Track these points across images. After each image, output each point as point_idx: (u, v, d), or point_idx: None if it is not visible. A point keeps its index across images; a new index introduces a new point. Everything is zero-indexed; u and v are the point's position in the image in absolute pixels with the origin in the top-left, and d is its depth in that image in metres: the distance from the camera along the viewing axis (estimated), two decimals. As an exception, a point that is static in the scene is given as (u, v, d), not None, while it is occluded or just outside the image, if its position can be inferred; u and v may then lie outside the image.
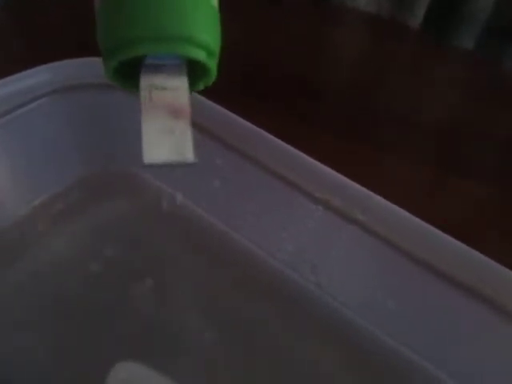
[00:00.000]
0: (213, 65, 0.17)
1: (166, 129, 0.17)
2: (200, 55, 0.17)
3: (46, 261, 0.28)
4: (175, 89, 0.18)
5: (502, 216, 0.34)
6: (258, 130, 0.27)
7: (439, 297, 0.25)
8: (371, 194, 0.25)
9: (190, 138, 0.18)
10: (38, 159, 0.29)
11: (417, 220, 0.25)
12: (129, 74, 0.18)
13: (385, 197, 0.25)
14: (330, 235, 0.27)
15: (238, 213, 0.29)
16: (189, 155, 0.17)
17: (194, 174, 0.29)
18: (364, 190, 0.25)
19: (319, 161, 0.26)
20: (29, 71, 0.28)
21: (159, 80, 0.18)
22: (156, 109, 0.18)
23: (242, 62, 0.42)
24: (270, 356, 0.26)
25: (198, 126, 0.28)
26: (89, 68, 0.29)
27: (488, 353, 0.24)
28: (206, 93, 0.28)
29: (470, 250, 0.24)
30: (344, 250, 0.27)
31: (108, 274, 0.28)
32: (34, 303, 0.26)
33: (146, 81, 0.18)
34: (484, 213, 0.34)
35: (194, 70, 0.18)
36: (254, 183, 0.28)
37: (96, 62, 0.28)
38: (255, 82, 0.41)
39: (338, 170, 0.26)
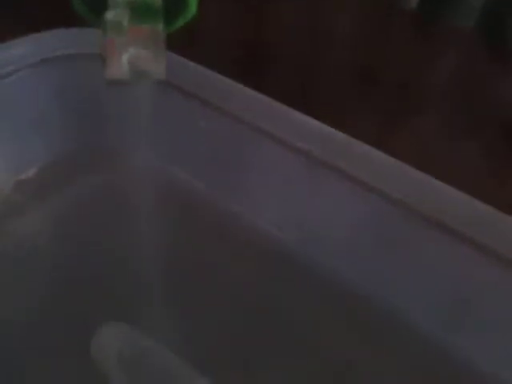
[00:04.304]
0: None
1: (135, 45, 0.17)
2: None
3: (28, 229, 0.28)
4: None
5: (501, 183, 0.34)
6: (235, 83, 0.27)
7: (433, 247, 0.24)
8: (352, 139, 0.25)
9: (163, 53, 0.17)
10: (21, 132, 0.29)
11: (403, 165, 0.24)
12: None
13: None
14: (314, 188, 0.26)
15: (221, 173, 0.29)
16: (159, 71, 0.17)
17: (175, 136, 0.29)
18: (344, 135, 0.25)
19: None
20: (15, 41, 0.28)
21: None
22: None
23: (241, 45, 0.42)
24: (257, 316, 0.25)
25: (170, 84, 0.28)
26: (75, 38, 0.29)
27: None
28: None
29: (458, 193, 0.23)
30: (329, 203, 0.26)
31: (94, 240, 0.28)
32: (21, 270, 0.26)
33: None
34: (482, 171, 0.33)
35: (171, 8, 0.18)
36: (232, 139, 0.27)
37: (83, 32, 0.28)
38: (255, 60, 0.41)
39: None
